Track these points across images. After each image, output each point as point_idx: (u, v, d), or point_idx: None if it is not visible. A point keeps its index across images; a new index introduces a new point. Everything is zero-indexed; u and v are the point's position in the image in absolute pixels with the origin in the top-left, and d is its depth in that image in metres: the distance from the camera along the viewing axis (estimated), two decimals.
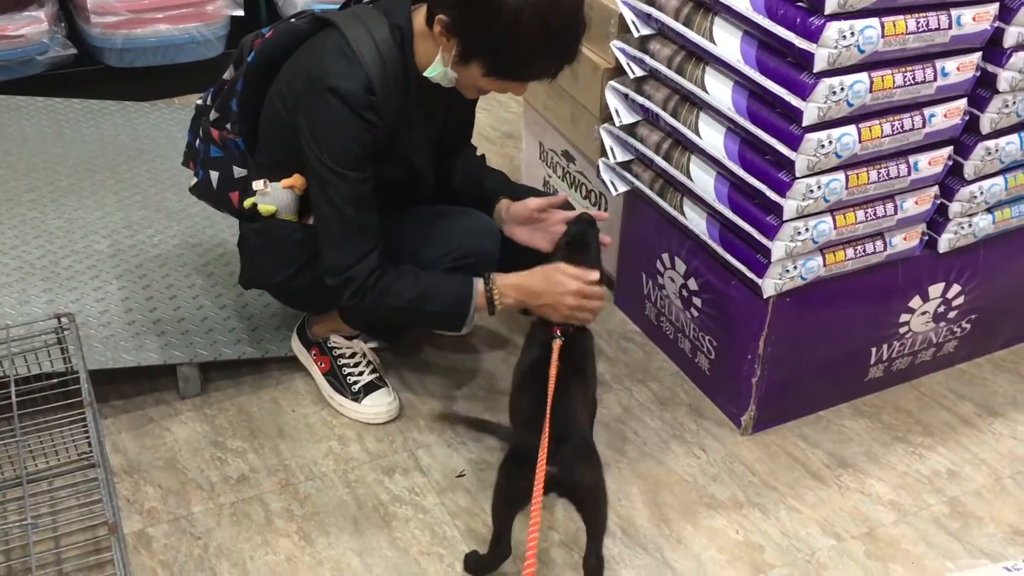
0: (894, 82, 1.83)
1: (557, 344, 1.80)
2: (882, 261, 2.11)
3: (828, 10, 1.73)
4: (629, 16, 2.19)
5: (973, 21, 1.84)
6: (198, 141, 2.09)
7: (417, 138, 1.94)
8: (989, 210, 2.16)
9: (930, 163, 1.99)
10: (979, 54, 1.91)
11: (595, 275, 1.88)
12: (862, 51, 1.77)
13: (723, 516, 1.98)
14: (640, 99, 2.22)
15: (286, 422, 2.17)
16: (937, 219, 2.13)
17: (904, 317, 2.22)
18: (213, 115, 2.02)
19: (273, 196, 1.94)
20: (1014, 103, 2.00)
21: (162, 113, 3.29)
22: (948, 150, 2.01)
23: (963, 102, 1.96)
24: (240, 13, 3.45)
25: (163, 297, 2.35)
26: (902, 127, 1.90)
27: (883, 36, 1.77)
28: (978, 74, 1.92)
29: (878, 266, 2.12)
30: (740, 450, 2.14)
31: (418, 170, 1.98)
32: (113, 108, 3.27)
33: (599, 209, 2.53)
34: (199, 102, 2.09)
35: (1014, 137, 2.06)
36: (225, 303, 2.37)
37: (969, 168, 2.05)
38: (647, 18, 2.15)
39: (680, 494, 2.03)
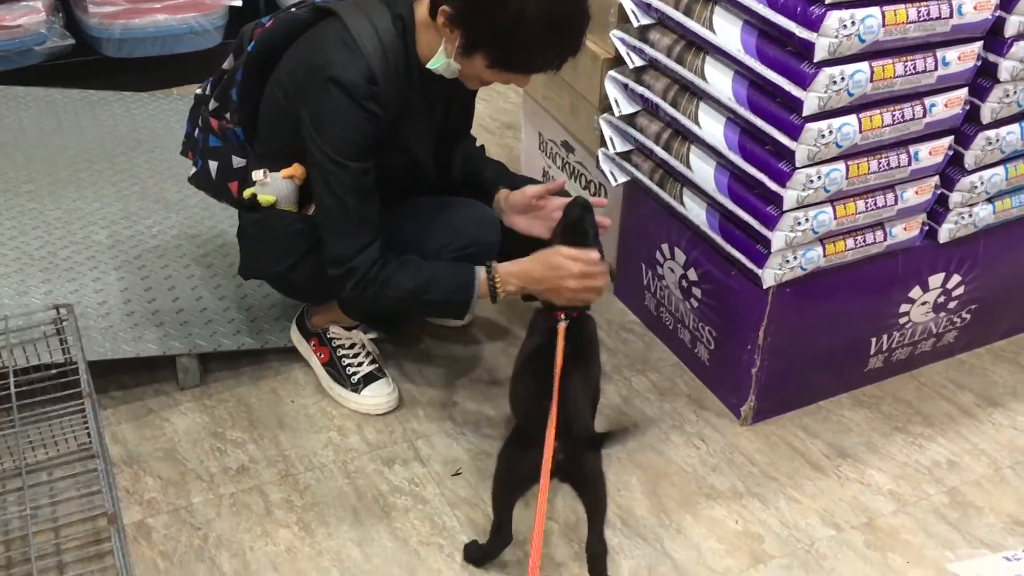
0: (895, 71, 1.82)
1: (561, 327, 1.81)
2: (882, 251, 2.11)
3: None
4: (629, 5, 2.18)
5: (974, 10, 1.83)
6: (197, 131, 2.08)
7: (418, 128, 1.93)
8: (990, 200, 2.16)
9: (931, 153, 1.99)
10: (980, 43, 1.91)
11: (594, 254, 1.87)
12: (863, 40, 1.76)
13: (723, 506, 1.98)
14: (640, 89, 2.21)
15: (285, 413, 2.17)
16: (937, 209, 2.12)
17: (904, 307, 2.22)
18: (212, 104, 2.01)
19: (273, 186, 1.94)
20: (1015, 93, 1.99)
21: (160, 103, 3.28)
22: (949, 140, 2.01)
23: (964, 92, 1.95)
24: (238, 3, 3.44)
25: (162, 288, 2.35)
26: (903, 117, 1.89)
27: (884, 25, 1.76)
28: (979, 63, 1.92)
29: (878, 256, 2.11)
30: (740, 440, 2.14)
31: (419, 160, 1.98)
32: (111, 99, 3.26)
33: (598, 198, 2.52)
34: (198, 91, 2.08)
35: (1015, 127, 2.05)
36: (224, 294, 2.36)
37: (970, 158, 2.04)
38: (647, 7, 2.15)
39: (680, 484, 2.03)
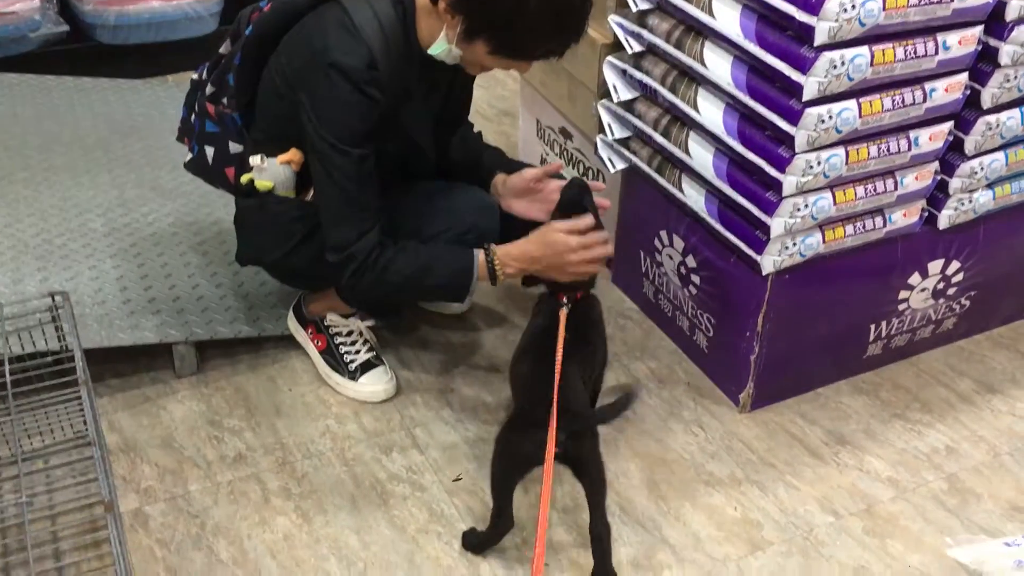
0: (895, 56, 1.81)
1: (563, 312, 1.80)
2: (882, 238, 2.10)
3: None
4: None
5: None
6: (193, 116, 2.07)
7: (418, 114, 1.92)
8: (989, 186, 2.15)
9: (931, 138, 1.98)
10: (981, 27, 1.89)
11: (589, 220, 1.85)
12: (863, 24, 1.75)
13: (721, 493, 1.98)
14: (638, 75, 2.20)
15: (283, 401, 2.16)
16: (937, 195, 2.12)
17: (903, 294, 2.21)
18: (209, 89, 2.00)
19: (270, 172, 1.93)
20: (1015, 77, 1.98)
21: (155, 90, 3.26)
22: (949, 125, 2.00)
23: (964, 76, 1.94)
24: None
25: (158, 275, 2.34)
26: (903, 102, 1.88)
27: (884, 9, 1.75)
28: (979, 48, 1.91)
29: (878, 243, 2.11)
30: (738, 427, 2.14)
31: (419, 145, 1.97)
32: (106, 86, 3.24)
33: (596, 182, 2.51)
34: (195, 76, 2.07)
35: (1015, 112, 2.04)
36: (221, 281, 2.35)
37: (970, 143, 2.03)
38: None
39: (678, 472, 2.02)
